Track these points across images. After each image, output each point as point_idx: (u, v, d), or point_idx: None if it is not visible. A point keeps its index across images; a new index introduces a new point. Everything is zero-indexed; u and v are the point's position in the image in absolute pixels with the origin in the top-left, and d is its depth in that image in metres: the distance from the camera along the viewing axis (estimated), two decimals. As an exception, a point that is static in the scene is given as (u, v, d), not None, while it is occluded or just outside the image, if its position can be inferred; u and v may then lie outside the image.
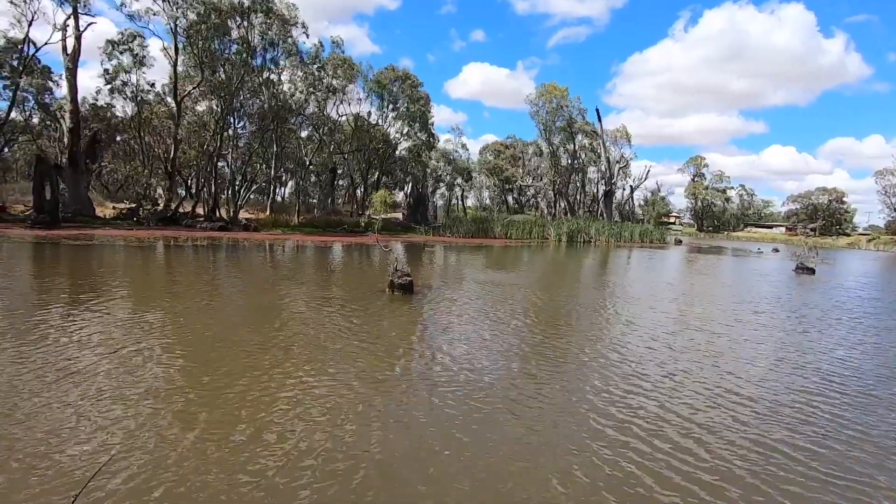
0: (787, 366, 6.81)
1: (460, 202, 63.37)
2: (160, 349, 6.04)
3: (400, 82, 37.76)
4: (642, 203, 79.85)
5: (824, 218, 79.04)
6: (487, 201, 71.10)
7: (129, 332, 6.74)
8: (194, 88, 30.88)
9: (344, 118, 38.23)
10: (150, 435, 3.88)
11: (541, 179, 60.54)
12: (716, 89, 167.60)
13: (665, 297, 12.98)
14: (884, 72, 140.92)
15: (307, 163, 39.19)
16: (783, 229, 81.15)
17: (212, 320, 7.65)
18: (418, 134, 40.50)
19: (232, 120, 32.96)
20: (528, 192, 66.40)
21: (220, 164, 34.85)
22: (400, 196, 51.37)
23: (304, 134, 39.71)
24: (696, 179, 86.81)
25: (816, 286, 17.06)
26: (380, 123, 39.32)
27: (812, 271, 21.38)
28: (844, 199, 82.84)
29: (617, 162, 55.78)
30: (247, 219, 31.62)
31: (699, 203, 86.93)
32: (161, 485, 3.25)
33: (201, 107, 34.92)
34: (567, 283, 15.51)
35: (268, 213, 35.02)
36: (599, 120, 51.36)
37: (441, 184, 53.79)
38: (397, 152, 41.88)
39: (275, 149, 33.94)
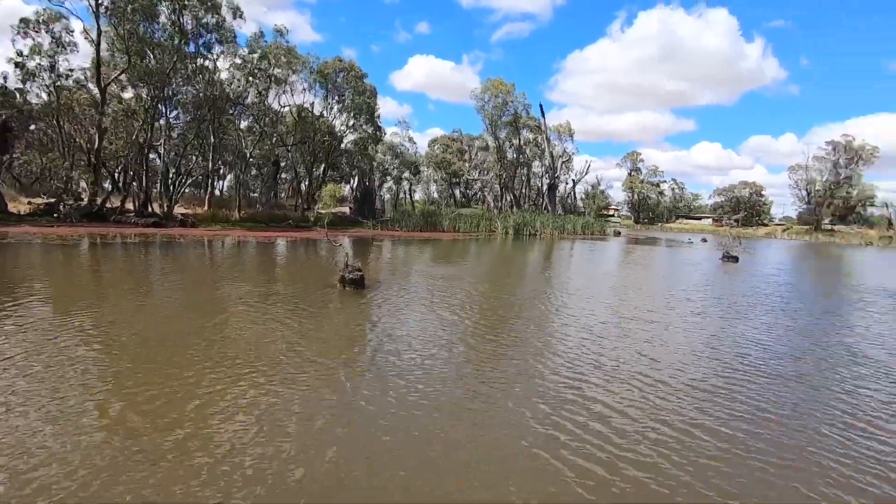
0: (708, 351, 7.42)
1: (408, 196, 63.14)
2: (85, 353, 5.69)
3: (345, 74, 36.92)
4: (584, 196, 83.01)
5: (746, 210, 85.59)
6: (435, 195, 71.29)
7: (47, 335, 6.28)
8: (120, 74, 28.71)
9: (287, 109, 36.96)
10: (76, 447, 3.69)
11: (487, 173, 61.40)
12: (650, 90, 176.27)
13: (604, 286, 13.68)
14: (797, 75, 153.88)
15: (248, 155, 37.62)
16: (710, 221, 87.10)
17: (145, 320, 7.27)
18: (364, 126, 39.85)
19: (164, 109, 30.99)
20: (474, 186, 67.18)
21: (151, 156, 32.72)
22: (346, 190, 50.47)
23: (243, 125, 38.02)
24: (632, 174, 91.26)
25: (739, 274, 18.55)
26: (325, 115, 38.33)
27: (736, 259, 23.18)
28: (763, 192, 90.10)
29: (560, 157, 57.57)
30: (183, 214, 29.92)
31: (636, 196, 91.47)
32: (83, 492, 3.12)
33: (128, 94, 32.55)
34: (514, 276, 15.95)
35: (206, 207, 33.32)
36: (543, 115, 52.77)
37: (388, 177, 53.38)
38: (343, 145, 41.04)
39: (212, 140, 32.29)
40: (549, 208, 52.56)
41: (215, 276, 12.49)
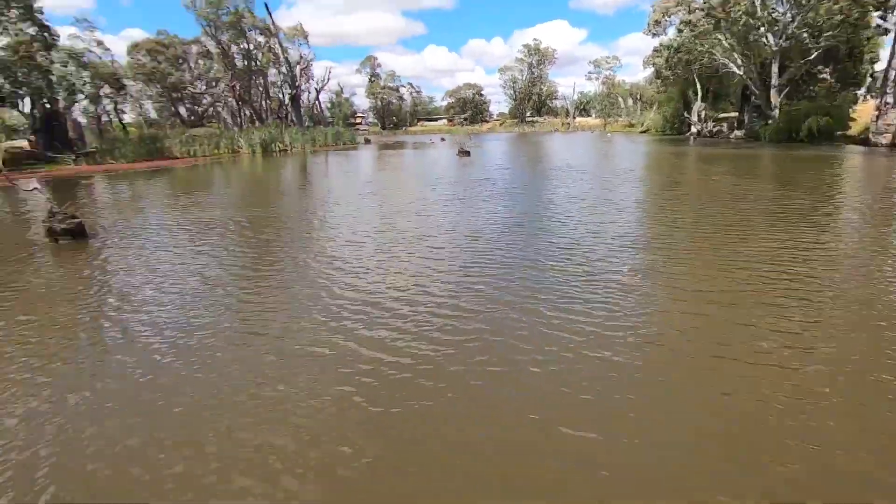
0: (450, 230, 8.86)
1: (115, 119, 50.72)
2: None
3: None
4: (329, 106, 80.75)
5: (471, 109, 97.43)
6: (153, 115, 59.12)
7: None
8: None
9: None
10: None
11: (216, 85, 53.42)
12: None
13: (366, 192, 14.34)
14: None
15: None
16: (445, 121, 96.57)
17: None
18: (19, 25, 29.12)
19: None
20: (203, 102, 58.02)
21: None
22: (14, 116, 37.24)
23: None
24: (373, 80, 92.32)
25: (472, 165, 21.71)
26: (-59, 8, 26.28)
27: (468, 154, 26.80)
28: (482, 92, 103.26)
29: (297, 63, 53.73)
30: None
31: (379, 102, 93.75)
32: None
33: None
34: (277, 195, 15.18)
35: None
36: (270, 15, 47.43)
37: (80, 96, 41.36)
38: (-10, 53, 29.41)
39: None
40: (296, 120, 49.81)
41: None
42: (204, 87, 55.06)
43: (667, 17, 44.57)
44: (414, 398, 3.49)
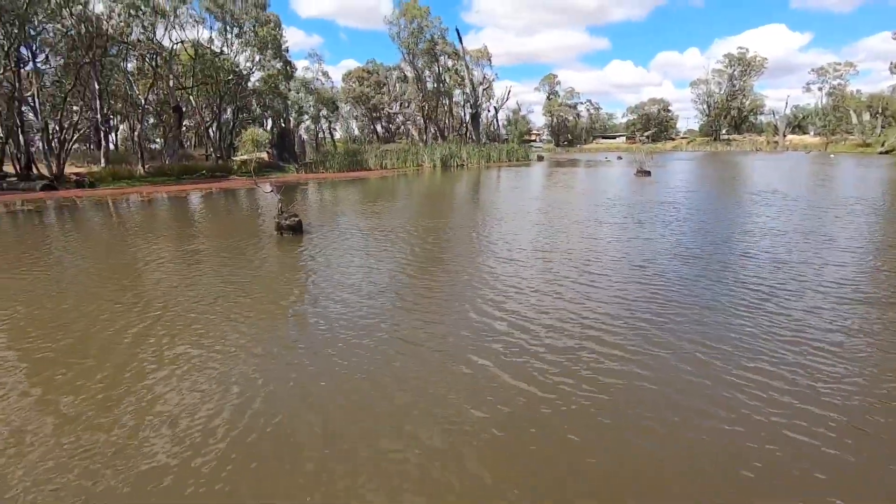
0: (626, 260, 8.33)
1: (328, 135, 60.26)
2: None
3: (242, 2, 33.23)
4: (506, 123, 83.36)
5: (655, 126, 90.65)
6: (356, 132, 68.62)
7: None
8: (-36, 12, 23.98)
9: (179, 46, 33.01)
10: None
11: (408, 105, 59.63)
12: (564, 4, 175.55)
13: (534, 208, 14.43)
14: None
15: (142, 102, 33.74)
16: (624, 139, 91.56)
17: (66, 290, 6.87)
18: (272, 62, 36.74)
19: (27, 52, 26.59)
20: (396, 120, 65.28)
21: (23, 109, 28.42)
22: (260, 132, 47.14)
23: (130, 66, 33.66)
24: (550, 97, 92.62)
25: (652, 186, 20.16)
26: (225, 52, 34.75)
27: (649, 173, 24.99)
28: (669, 107, 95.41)
29: (480, 83, 56.87)
30: (76, 174, 26.81)
31: (555, 120, 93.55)
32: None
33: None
34: (451, 207, 16.30)
35: (102, 164, 30.01)
36: (460, 40, 51.24)
37: (305, 116, 50.32)
38: (251, 84, 37.79)
39: (96, 86, 28.48)
40: (474, 137, 52.62)
41: (144, 237, 11.66)
42: (398, 108, 61.83)
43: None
44: (545, 440, 3.20)
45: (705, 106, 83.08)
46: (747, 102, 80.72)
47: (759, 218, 11.68)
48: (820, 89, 73.74)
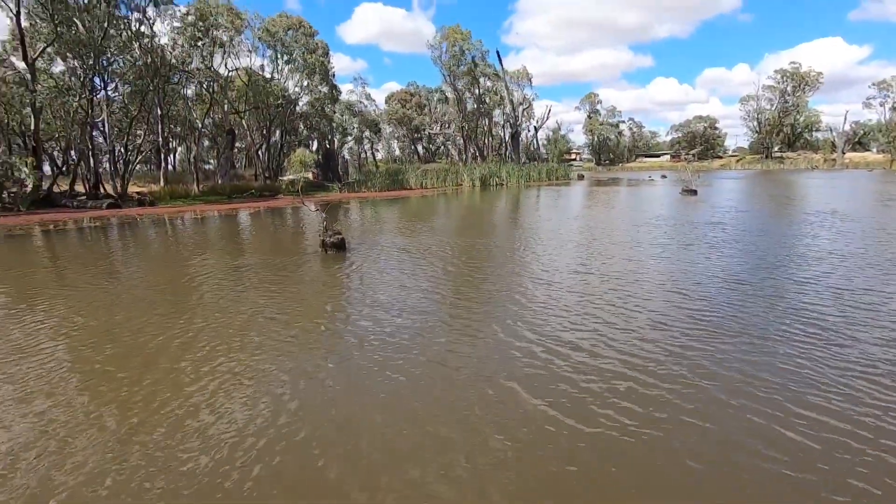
0: (666, 283, 8.07)
1: (370, 155, 61.91)
2: (65, 346, 5.80)
3: (293, 31, 35.06)
4: (546, 142, 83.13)
5: (701, 144, 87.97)
6: (397, 152, 70.14)
7: (25, 329, 6.31)
8: (47, 47, 26.46)
9: (234, 73, 35.07)
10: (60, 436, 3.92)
11: (449, 126, 60.60)
12: (607, 23, 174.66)
13: (573, 228, 14.26)
14: (751, 2, 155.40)
15: (199, 125, 35.87)
16: (668, 157, 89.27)
17: (120, 302, 7.31)
18: (319, 87, 38.38)
19: (100, 82, 28.95)
20: (437, 140, 66.37)
21: (93, 133, 30.82)
22: (307, 154, 49.08)
23: (190, 92, 35.99)
24: (591, 116, 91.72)
25: (698, 205, 19.53)
26: (276, 78, 36.61)
27: (695, 192, 24.25)
28: (717, 125, 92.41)
29: (520, 104, 57.18)
30: (138, 193, 28.69)
31: (596, 139, 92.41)
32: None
33: (59, 68, 30.17)
34: (489, 226, 16.35)
35: (161, 184, 31.98)
36: (500, 62, 51.94)
37: (348, 137, 52.02)
38: (298, 108, 39.56)
39: (159, 112, 30.57)
40: (514, 157, 52.76)
41: (196, 252, 12.33)
42: (438, 128, 62.91)
43: None
44: (574, 476, 3.05)
45: (756, 123, 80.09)
46: (801, 118, 77.28)
47: (815, 241, 11.10)
48: (882, 104, 69.60)
